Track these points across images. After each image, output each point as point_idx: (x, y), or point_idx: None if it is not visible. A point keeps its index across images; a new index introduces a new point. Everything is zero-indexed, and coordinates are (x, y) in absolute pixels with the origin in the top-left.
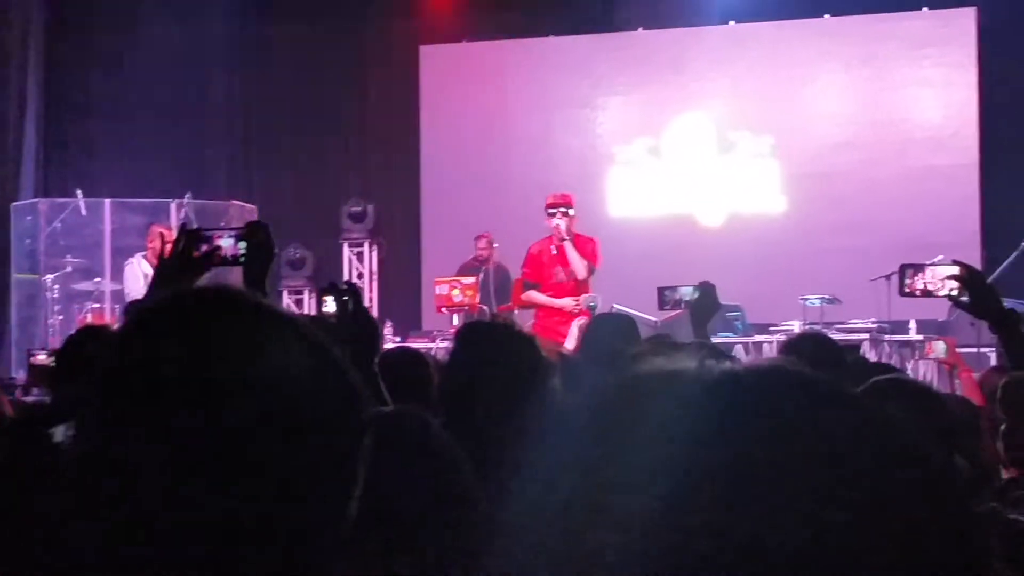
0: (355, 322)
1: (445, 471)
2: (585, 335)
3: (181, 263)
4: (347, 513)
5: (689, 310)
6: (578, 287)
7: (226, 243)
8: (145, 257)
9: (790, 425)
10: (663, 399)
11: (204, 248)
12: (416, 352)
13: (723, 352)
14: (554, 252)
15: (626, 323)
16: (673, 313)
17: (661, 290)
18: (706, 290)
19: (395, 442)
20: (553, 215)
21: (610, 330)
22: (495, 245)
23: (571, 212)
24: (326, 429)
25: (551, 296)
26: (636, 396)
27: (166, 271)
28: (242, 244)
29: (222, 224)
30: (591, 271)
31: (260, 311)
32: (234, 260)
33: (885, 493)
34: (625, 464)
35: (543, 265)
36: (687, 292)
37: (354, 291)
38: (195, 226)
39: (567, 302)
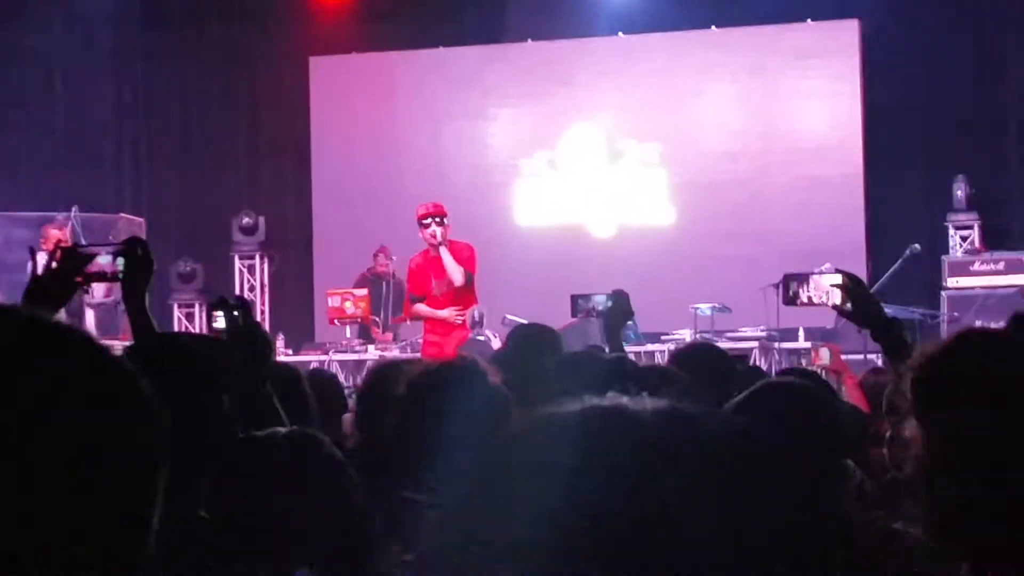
0: (246, 338)
1: (334, 492)
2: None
3: (54, 281)
4: (143, 534)
5: (602, 318)
6: (458, 296)
7: (104, 260)
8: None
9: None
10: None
11: (80, 265)
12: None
13: (634, 364)
14: (430, 260)
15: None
16: (568, 322)
17: (575, 298)
18: (619, 299)
19: (286, 463)
20: (427, 225)
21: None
22: (393, 258)
23: (445, 221)
24: (112, 445)
25: (434, 301)
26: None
27: (38, 289)
28: (120, 260)
29: (110, 238)
30: (468, 278)
31: (35, 327)
32: (113, 277)
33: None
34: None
35: (423, 277)
36: (600, 300)
37: (244, 306)
38: (80, 240)
39: (449, 312)
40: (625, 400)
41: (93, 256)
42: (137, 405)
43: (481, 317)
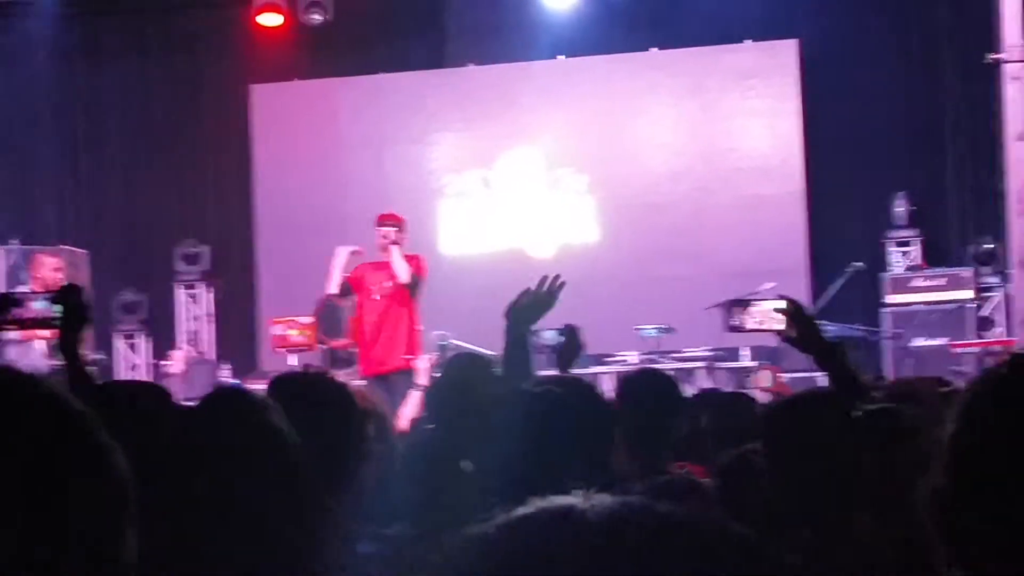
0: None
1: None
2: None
3: None
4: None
5: (555, 355)
6: (400, 298)
7: (40, 305)
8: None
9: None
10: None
11: (13, 312)
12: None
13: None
14: (376, 264)
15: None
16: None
17: None
18: (571, 334)
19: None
20: (382, 226)
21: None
22: None
23: (402, 232)
24: (74, 486)
25: (372, 306)
26: None
27: None
28: (56, 307)
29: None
30: (414, 280)
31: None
32: (47, 323)
33: None
34: None
35: (361, 275)
36: (551, 336)
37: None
38: (17, 279)
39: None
40: (569, 502)
41: (21, 301)
42: (93, 451)
43: (446, 343)
